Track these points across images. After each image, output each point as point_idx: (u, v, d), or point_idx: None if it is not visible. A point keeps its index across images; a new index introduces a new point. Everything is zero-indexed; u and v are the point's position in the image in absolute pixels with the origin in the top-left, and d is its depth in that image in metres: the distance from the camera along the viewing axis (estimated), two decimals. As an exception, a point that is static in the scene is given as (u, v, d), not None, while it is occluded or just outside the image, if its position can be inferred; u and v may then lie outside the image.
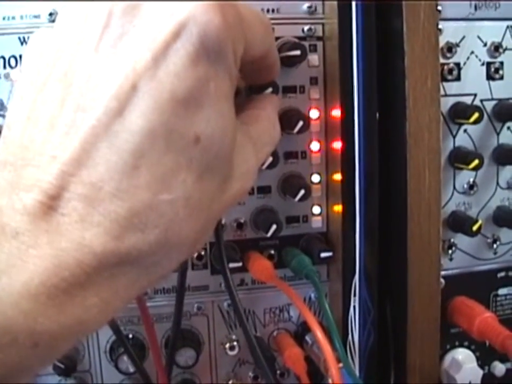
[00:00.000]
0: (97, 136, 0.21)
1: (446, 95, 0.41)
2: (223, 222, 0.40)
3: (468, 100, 0.42)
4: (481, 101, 0.42)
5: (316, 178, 0.42)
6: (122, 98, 0.21)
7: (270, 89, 0.35)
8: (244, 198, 0.41)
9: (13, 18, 0.37)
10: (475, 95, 0.42)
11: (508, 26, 0.42)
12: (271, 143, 0.30)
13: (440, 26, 0.40)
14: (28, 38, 0.37)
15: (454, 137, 0.42)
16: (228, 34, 0.23)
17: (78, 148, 0.21)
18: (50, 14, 0.37)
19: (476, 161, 0.40)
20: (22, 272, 0.20)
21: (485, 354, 0.45)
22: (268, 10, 0.39)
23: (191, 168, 0.22)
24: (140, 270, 0.22)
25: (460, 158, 0.42)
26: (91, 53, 0.22)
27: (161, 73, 0.21)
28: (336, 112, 0.40)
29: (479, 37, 0.42)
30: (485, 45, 0.42)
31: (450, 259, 0.44)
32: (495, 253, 0.44)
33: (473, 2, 0.41)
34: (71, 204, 0.20)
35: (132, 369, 0.40)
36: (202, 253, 0.40)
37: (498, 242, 0.44)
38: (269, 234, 0.39)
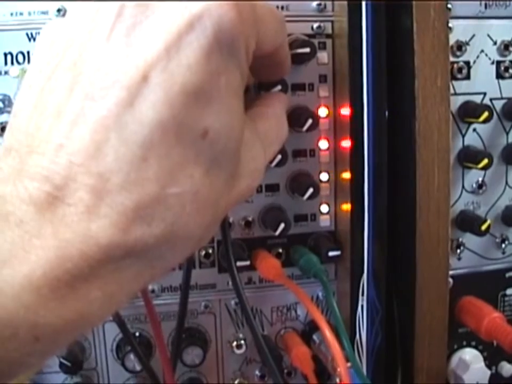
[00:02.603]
0: (106, 126, 0.20)
1: (455, 94, 0.41)
2: (230, 220, 0.40)
3: (477, 99, 0.42)
4: (491, 99, 0.42)
5: (324, 176, 0.42)
6: (133, 89, 0.21)
7: (278, 87, 0.35)
8: (251, 196, 0.40)
9: (21, 14, 0.37)
10: (484, 94, 0.42)
11: (518, 25, 0.42)
12: (278, 141, 0.30)
13: (450, 24, 0.39)
14: (36, 34, 0.37)
15: (463, 136, 0.42)
16: (242, 29, 0.23)
17: (87, 138, 0.20)
18: (59, 10, 0.37)
19: (485, 161, 0.40)
20: (24, 264, 0.19)
21: (493, 354, 0.45)
22: (277, 8, 0.39)
23: (198, 162, 0.22)
24: (144, 263, 0.22)
25: (469, 157, 0.41)
26: (102, 42, 0.22)
27: (173, 65, 0.21)
28: (345, 110, 0.40)
29: (489, 36, 0.41)
30: (495, 43, 0.41)
31: (459, 258, 0.43)
32: (503, 253, 0.44)
33: (483, 1, 0.41)
34: (78, 194, 0.20)
35: (138, 368, 0.40)
36: (210, 251, 0.40)
37: (506, 242, 0.44)
38: (277, 232, 0.39)
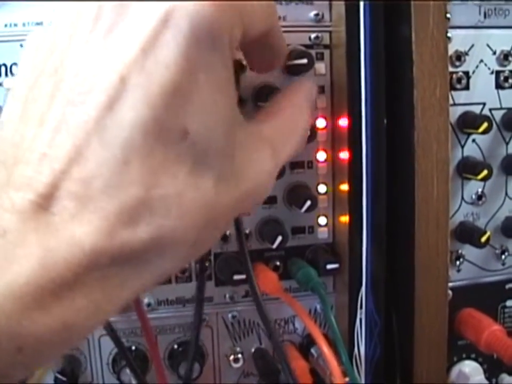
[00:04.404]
0: (87, 131, 0.20)
1: (454, 104, 0.41)
2: (227, 233, 0.40)
3: (476, 109, 0.41)
4: (490, 110, 0.41)
5: (322, 188, 0.41)
6: (111, 92, 0.20)
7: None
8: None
9: (15, 25, 0.37)
10: (484, 104, 0.41)
11: (517, 34, 0.41)
12: (292, 140, 0.28)
13: (449, 34, 0.39)
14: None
15: (463, 147, 0.42)
16: (222, 21, 0.22)
17: (68, 144, 0.20)
18: (53, 21, 0.37)
19: (485, 172, 0.39)
20: (7, 273, 0.19)
21: (493, 366, 0.44)
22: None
23: (181, 163, 0.22)
24: (131, 270, 0.21)
25: (468, 168, 0.41)
26: (82, 46, 0.21)
27: (151, 65, 0.21)
28: (343, 122, 0.39)
29: (488, 45, 0.41)
30: (494, 53, 0.41)
31: (458, 270, 0.43)
32: (503, 264, 0.44)
33: (482, 10, 0.41)
34: (62, 203, 0.20)
35: (134, 382, 0.40)
36: (207, 264, 0.40)
37: (506, 253, 0.44)
38: (275, 245, 0.38)
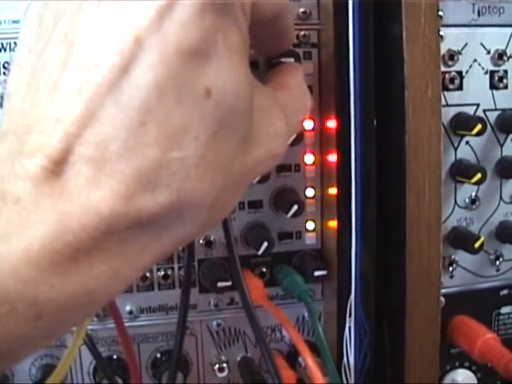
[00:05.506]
0: (101, 94, 0.20)
1: (447, 105, 0.39)
2: (211, 238, 0.39)
3: (470, 110, 0.40)
4: (484, 111, 0.40)
5: (310, 192, 0.40)
6: (126, 53, 0.20)
7: (291, 59, 0.33)
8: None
9: (-8, 23, 0.35)
10: (478, 105, 0.40)
11: (512, 33, 0.40)
12: (302, 109, 0.29)
13: (441, 32, 0.38)
14: (7, 44, 0.36)
15: (456, 149, 0.40)
16: None
17: (82, 107, 0.20)
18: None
19: (479, 175, 0.38)
20: (22, 238, 0.19)
21: (486, 375, 0.43)
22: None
23: (205, 124, 0.21)
24: (150, 234, 0.21)
25: (461, 172, 0.40)
26: (92, 10, 0.21)
27: (166, 25, 0.20)
28: (332, 123, 0.38)
29: (482, 44, 0.40)
30: (489, 52, 0.40)
31: (451, 276, 0.42)
32: (497, 270, 0.43)
33: (476, 8, 0.39)
34: (76, 167, 0.20)
35: (115, 392, 0.38)
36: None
37: (501, 259, 0.42)
38: (260, 252, 0.37)
